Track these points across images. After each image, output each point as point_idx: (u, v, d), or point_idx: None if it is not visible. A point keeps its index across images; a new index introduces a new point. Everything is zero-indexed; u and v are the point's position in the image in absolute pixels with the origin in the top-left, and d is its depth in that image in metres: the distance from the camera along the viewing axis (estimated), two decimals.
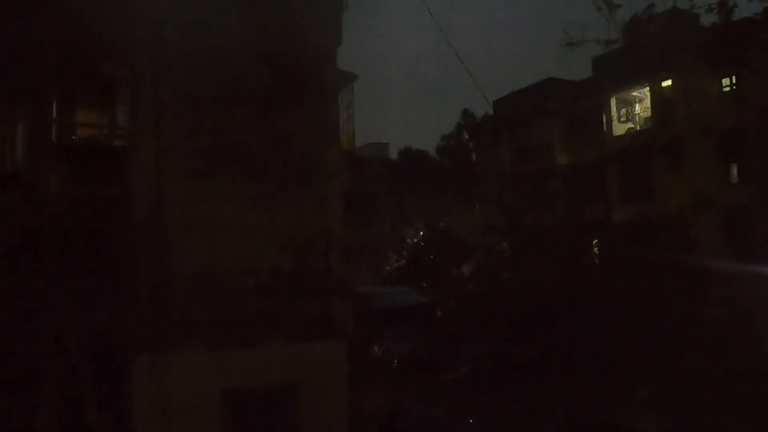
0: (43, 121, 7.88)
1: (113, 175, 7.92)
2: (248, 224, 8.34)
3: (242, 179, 8.38)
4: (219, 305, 8.10)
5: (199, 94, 8.20)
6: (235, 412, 8.05)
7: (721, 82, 23.13)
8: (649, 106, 25.84)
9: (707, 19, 17.50)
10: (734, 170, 23.04)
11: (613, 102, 27.05)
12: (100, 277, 7.76)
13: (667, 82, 24.53)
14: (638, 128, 26.68)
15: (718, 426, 11.88)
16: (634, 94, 27.08)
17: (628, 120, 27.45)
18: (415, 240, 37.42)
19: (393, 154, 44.31)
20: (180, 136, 8.07)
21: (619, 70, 25.13)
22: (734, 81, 22.64)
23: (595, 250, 26.57)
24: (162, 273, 7.73)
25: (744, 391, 14.18)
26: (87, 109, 9.08)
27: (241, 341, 8.16)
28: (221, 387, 7.83)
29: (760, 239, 20.55)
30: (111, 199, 7.85)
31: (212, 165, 8.24)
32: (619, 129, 27.03)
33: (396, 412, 12.57)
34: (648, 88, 25.64)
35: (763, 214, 20.25)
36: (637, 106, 27.31)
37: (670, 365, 17.40)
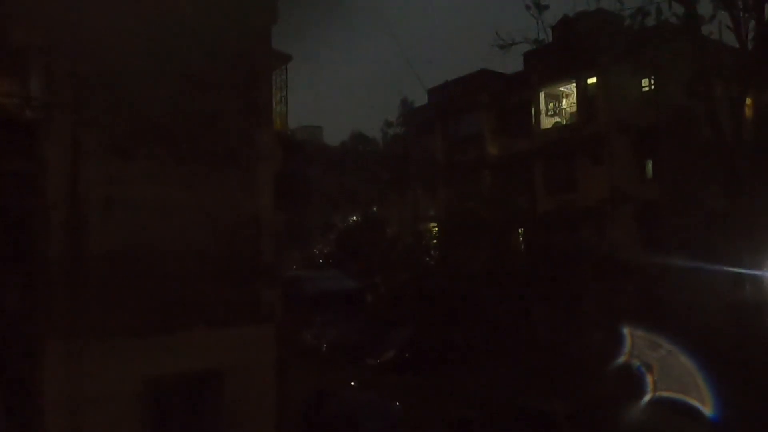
0: None
1: (24, 149, 7.39)
2: (173, 206, 8.02)
3: (168, 159, 8.03)
4: (140, 289, 7.77)
5: (122, 68, 7.76)
6: (156, 400, 7.79)
7: (641, 82, 24.41)
8: (575, 101, 26.94)
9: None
10: (649, 167, 24.46)
11: (541, 96, 27.98)
12: (7, 257, 7.26)
13: (592, 80, 25.64)
14: (564, 123, 27.77)
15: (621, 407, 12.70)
16: (562, 89, 28.13)
17: (555, 114, 28.50)
18: (347, 225, 37.43)
19: (327, 138, 44.02)
20: (100, 112, 7.62)
21: (548, 65, 26.01)
22: (652, 82, 23.96)
23: (521, 238, 27.59)
24: (77, 254, 7.32)
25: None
26: None
27: (163, 326, 7.88)
28: (141, 374, 7.55)
29: (667, 232, 21.99)
30: (21, 175, 7.33)
31: (135, 143, 7.85)
32: (546, 123, 28.02)
33: (322, 396, 12.62)
34: (574, 84, 26.70)
35: (671, 208, 21.65)
36: (564, 101, 28.39)
37: (584, 348, 18.40)
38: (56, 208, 7.29)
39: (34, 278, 7.35)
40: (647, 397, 12.33)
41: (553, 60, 25.46)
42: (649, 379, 14.58)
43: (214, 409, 8.31)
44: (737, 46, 18.08)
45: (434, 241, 29.97)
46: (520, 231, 27.47)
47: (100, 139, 7.60)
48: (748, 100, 18.59)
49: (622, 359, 16.46)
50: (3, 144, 7.31)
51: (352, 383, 14.73)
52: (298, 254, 36.56)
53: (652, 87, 24.00)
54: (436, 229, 30.58)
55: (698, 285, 18.40)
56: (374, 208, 36.01)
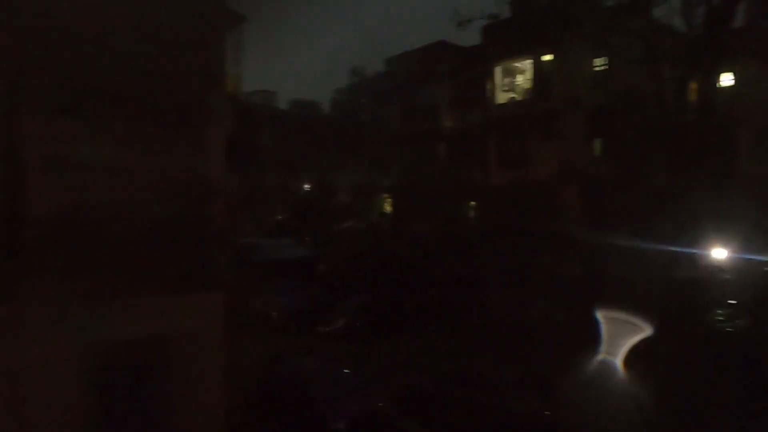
0: None
1: None
2: (120, 167, 7.72)
3: (115, 118, 7.69)
4: (84, 253, 7.51)
5: (66, 22, 7.32)
6: (101, 366, 7.62)
7: (593, 61, 24.91)
8: (530, 78, 27.28)
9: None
10: (598, 145, 25.17)
11: (498, 71, 28.18)
12: None
13: (547, 57, 25.98)
14: (519, 98, 28.14)
15: (563, 371, 13.30)
16: (518, 65, 28.41)
17: (510, 89, 28.82)
18: (301, 193, 37.13)
19: (281, 104, 43.18)
20: (42, 66, 7.20)
21: (505, 40, 26.16)
22: (605, 62, 24.49)
23: (474, 211, 28.08)
24: (17, 216, 6.98)
25: (584, 338, 16.06)
26: None
27: (109, 292, 7.66)
28: (86, 341, 7.35)
29: (612, 208, 22.82)
30: None
31: (80, 100, 7.46)
32: (502, 97, 28.31)
33: (273, 363, 12.64)
34: (530, 61, 27.00)
35: (617, 185, 22.45)
36: (520, 77, 28.72)
37: (532, 317, 19.07)
38: None
39: None
40: (593, 362, 12.96)
41: (510, 35, 25.62)
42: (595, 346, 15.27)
43: (161, 375, 8.21)
44: (686, 30, 18.65)
45: (388, 210, 30.14)
46: (472, 203, 27.94)
47: (43, 95, 7.19)
48: (693, 84, 19.30)
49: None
50: None
51: (303, 350, 14.80)
52: (251, 221, 36.09)
53: (605, 67, 24.54)
54: (390, 198, 30.73)
55: (638, 260, 19.25)
56: (327, 176, 35.75)
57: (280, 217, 36.98)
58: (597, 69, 24.94)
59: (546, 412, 11.23)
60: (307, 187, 38.33)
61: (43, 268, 7.16)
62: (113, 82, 7.71)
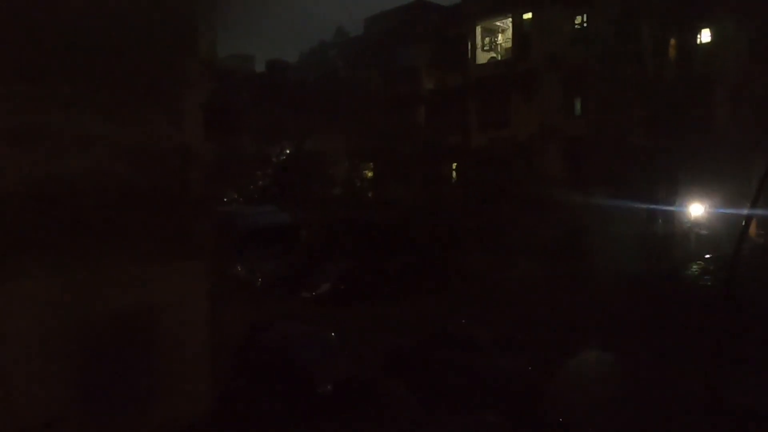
0: None
1: None
2: (91, 136, 7.55)
3: (83, 85, 7.47)
4: (60, 226, 7.40)
5: None
6: (86, 338, 7.61)
7: (574, 19, 24.63)
8: (511, 37, 26.95)
9: None
10: (578, 104, 25.11)
11: (478, 30, 27.76)
12: None
13: (528, 15, 25.61)
14: (499, 58, 27.84)
15: (539, 330, 13.62)
16: (498, 23, 27.99)
17: (491, 49, 28.46)
18: (282, 158, 36.75)
19: (259, 68, 42.29)
20: (3, 29, 6.92)
21: None
22: (585, 19, 24.24)
23: (454, 173, 28.08)
24: None
25: (566, 296, 16.45)
26: None
27: (90, 263, 7.60)
28: (70, 313, 7.32)
29: (592, 167, 22.98)
30: None
31: (45, 66, 7.22)
32: (482, 57, 27.98)
33: (257, 329, 12.72)
34: (510, 19, 26.61)
35: (596, 144, 22.54)
36: (500, 36, 28.35)
37: (511, 277, 19.38)
38: None
39: None
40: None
41: None
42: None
43: (146, 345, 8.23)
44: None
45: (370, 174, 30.03)
46: (453, 166, 27.91)
47: (5, 61, 6.94)
48: (672, 41, 19.26)
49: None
50: None
51: (288, 316, 14.89)
52: (232, 188, 35.70)
53: (585, 25, 24.30)
54: (372, 162, 30.59)
55: (617, 218, 19.53)
56: (308, 141, 35.34)
57: (261, 184, 36.65)
58: (577, 27, 24.69)
59: (529, 368, 11.50)
60: (287, 152, 37.87)
61: (19, 242, 7.05)
62: (82, 48, 7.46)
